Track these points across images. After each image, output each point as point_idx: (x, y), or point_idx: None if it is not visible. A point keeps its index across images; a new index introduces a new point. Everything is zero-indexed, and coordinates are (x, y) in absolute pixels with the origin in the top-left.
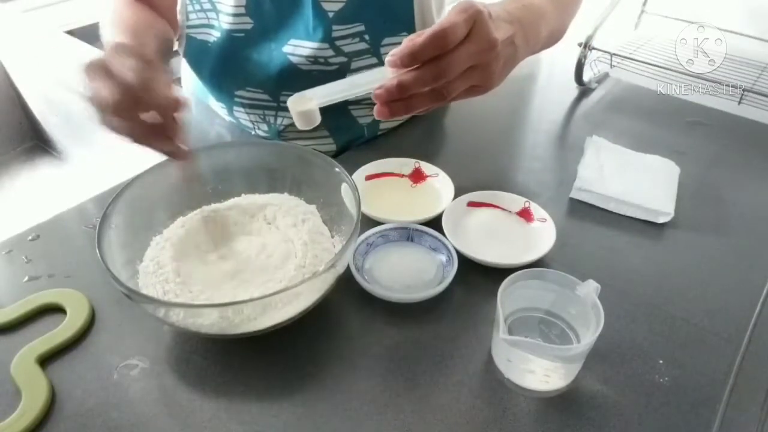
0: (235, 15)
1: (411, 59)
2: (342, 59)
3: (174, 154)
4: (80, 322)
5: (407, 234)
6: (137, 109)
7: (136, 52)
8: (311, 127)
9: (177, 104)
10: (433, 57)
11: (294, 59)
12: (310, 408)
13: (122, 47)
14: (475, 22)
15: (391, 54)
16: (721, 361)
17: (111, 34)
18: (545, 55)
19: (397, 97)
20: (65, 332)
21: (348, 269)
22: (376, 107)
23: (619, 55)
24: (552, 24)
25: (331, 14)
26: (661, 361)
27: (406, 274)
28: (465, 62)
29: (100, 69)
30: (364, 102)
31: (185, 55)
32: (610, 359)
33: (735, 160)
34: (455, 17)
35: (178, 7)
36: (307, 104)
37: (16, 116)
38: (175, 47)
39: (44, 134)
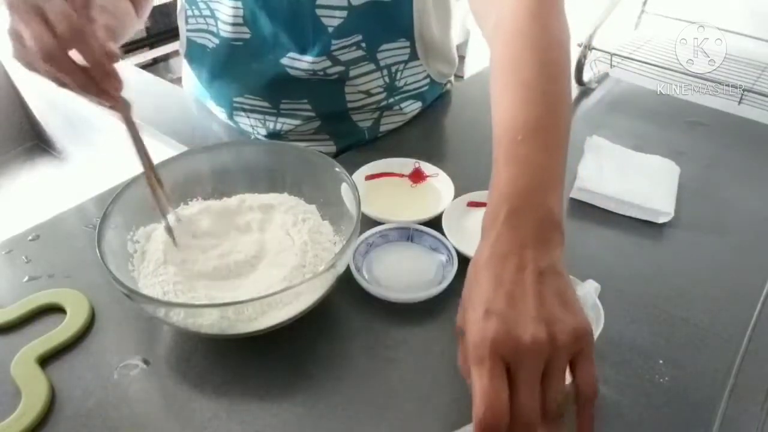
0: (234, 24)
1: None
2: (340, 68)
3: (109, 103)
4: (80, 322)
5: (407, 234)
6: (68, 57)
7: None
8: None
9: (110, 56)
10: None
11: (292, 72)
12: (310, 408)
13: None
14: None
15: None
16: (721, 361)
17: None
18: None
19: None
20: (65, 332)
21: (348, 269)
22: None
23: (619, 55)
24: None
25: (330, 29)
26: (661, 361)
27: (406, 274)
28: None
29: (31, 9)
30: (365, 108)
31: (186, 57)
32: (610, 359)
33: (735, 160)
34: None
35: (177, 11)
36: None
37: (16, 116)
38: (176, 48)
39: (44, 134)
